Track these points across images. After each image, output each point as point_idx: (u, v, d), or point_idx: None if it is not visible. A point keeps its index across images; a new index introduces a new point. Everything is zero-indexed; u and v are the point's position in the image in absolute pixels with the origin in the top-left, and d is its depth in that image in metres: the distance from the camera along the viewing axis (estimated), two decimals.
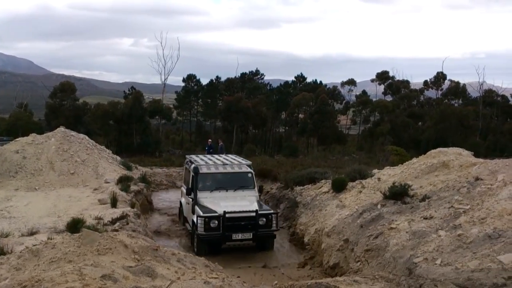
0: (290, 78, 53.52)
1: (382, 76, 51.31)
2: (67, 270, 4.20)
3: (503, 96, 47.81)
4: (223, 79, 49.77)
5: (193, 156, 13.54)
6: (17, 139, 17.52)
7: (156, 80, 48.89)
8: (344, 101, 50.94)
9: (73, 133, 18.09)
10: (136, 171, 18.65)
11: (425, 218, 8.25)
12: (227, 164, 12.00)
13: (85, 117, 37.85)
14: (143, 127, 37.79)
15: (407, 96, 48.57)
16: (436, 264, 6.57)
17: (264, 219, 10.33)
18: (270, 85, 53.19)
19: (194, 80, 48.76)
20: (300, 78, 52.48)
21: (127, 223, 10.09)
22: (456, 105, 46.80)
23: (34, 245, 5.69)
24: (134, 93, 41.70)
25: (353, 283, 5.20)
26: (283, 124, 51.24)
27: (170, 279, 4.50)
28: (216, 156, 14.21)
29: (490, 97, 46.41)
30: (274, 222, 10.54)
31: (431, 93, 50.99)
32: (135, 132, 37.35)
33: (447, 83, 49.47)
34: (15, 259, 5.09)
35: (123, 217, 10.44)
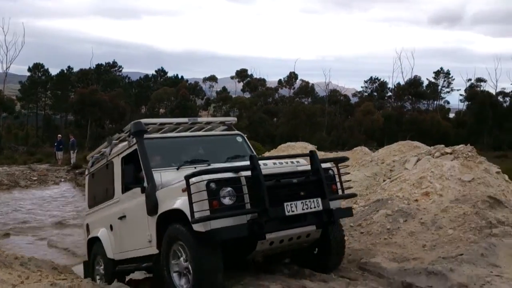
0: (151, 71, 52.43)
1: (241, 74, 53.44)
2: None
3: (345, 96, 53.64)
4: (76, 69, 46.59)
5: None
6: None
7: None
8: (205, 97, 51.72)
9: None
10: None
11: None
12: (196, 122, 6.05)
13: None
14: None
15: (263, 94, 51.44)
16: None
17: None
18: (129, 78, 51.44)
19: (42, 69, 44.65)
20: (161, 72, 51.80)
21: None
22: (306, 103, 51.08)
23: None
24: None
25: None
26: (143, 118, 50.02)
27: (12, 284, 4.14)
28: None
29: (334, 96, 51.67)
30: (338, 181, 4.89)
31: (285, 92, 54.80)
32: None
33: (298, 82, 53.68)
34: None
35: None
